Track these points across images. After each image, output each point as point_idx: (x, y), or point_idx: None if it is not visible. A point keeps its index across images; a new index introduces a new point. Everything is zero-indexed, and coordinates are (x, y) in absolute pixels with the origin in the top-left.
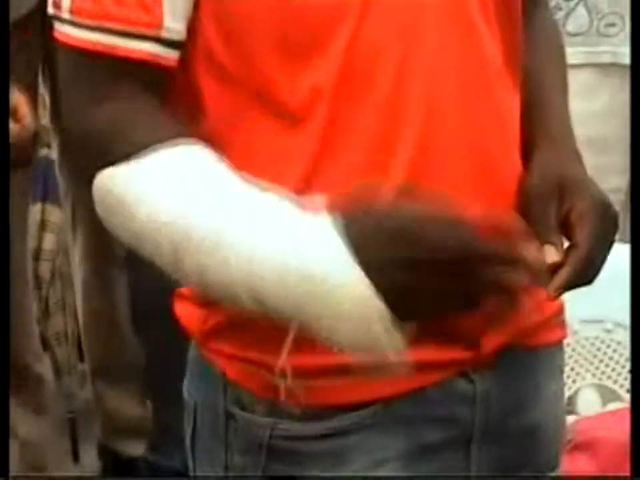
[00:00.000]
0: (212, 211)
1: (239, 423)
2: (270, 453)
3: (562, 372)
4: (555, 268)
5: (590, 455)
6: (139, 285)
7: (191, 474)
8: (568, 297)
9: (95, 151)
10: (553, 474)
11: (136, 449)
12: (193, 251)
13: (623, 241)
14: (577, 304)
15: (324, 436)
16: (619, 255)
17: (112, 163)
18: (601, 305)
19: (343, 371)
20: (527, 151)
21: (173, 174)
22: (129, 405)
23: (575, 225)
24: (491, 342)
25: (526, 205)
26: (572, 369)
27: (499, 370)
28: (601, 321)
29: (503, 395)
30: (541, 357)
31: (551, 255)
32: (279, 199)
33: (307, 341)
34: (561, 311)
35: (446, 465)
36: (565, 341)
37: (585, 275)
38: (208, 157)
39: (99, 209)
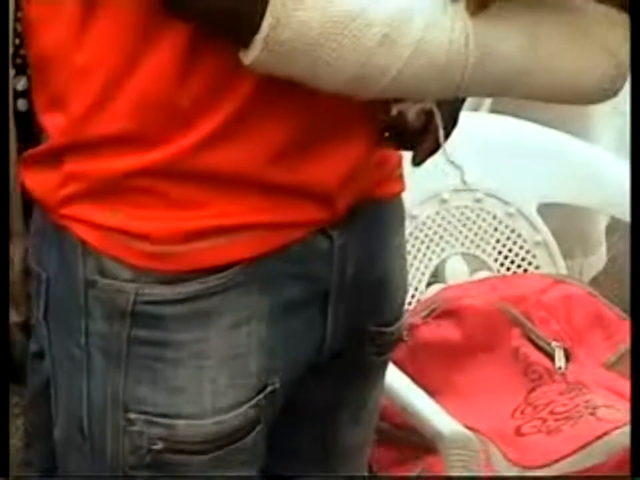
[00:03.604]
0: None
1: (101, 290)
2: (134, 319)
3: (404, 224)
4: (417, 132)
5: (456, 321)
6: None
7: (46, 347)
8: (436, 168)
9: None
10: (397, 324)
11: None
12: None
13: (495, 110)
14: (447, 174)
15: (188, 299)
16: (492, 125)
17: None
18: (472, 174)
19: (204, 234)
20: None
21: None
22: None
23: None
24: (345, 197)
25: None
26: (441, 237)
27: (353, 224)
28: (471, 190)
29: (357, 248)
30: (387, 209)
31: (415, 118)
32: None
33: (165, 206)
34: (399, 163)
35: (306, 320)
36: (434, 210)
37: (447, 138)
38: None
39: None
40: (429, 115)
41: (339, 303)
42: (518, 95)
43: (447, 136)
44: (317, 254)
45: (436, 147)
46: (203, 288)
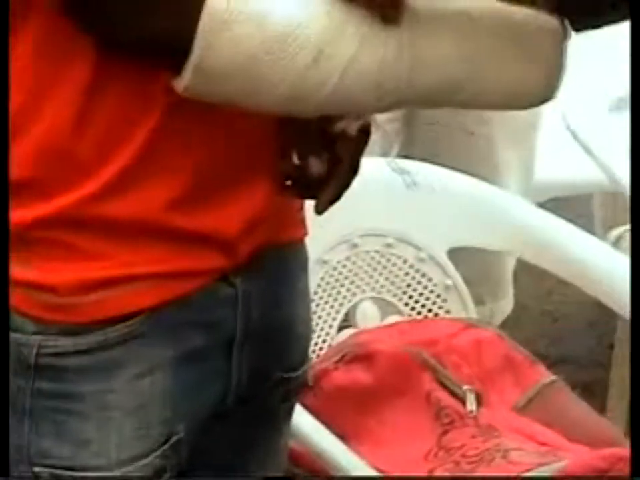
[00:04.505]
0: None
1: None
2: (37, 371)
3: (307, 268)
4: (319, 181)
5: (367, 366)
6: None
7: None
8: (349, 212)
9: None
10: (302, 369)
11: None
12: None
13: (405, 156)
14: (358, 218)
15: (90, 350)
16: (402, 169)
17: None
18: (382, 219)
19: (107, 284)
20: None
21: None
22: None
23: (336, 138)
24: (247, 244)
25: (290, 118)
26: (352, 282)
27: (256, 270)
28: (381, 235)
29: (261, 294)
30: (291, 254)
31: (316, 167)
32: None
33: (73, 257)
34: (301, 208)
35: (210, 368)
36: (345, 255)
37: (349, 184)
38: None
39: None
40: (330, 163)
41: (243, 350)
42: (453, 104)
43: (348, 185)
44: (220, 301)
45: (338, 196)
46: (105, 339)
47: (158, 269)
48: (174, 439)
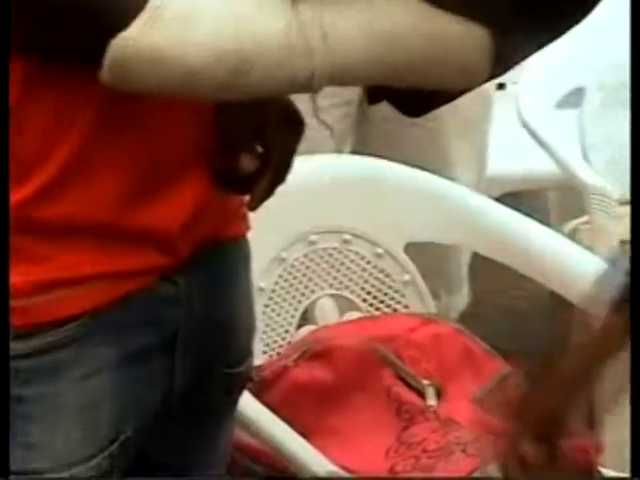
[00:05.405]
0: None
1: None
2: None
3: (249, 264)
4: (251, 177)
5: (327, 363)
6: None
7: None
8: (305, 210)
9: None
10: (245, 364)
11: None
12: None
13: (359, 152)
14: (314, 215)
15: (36, 352)
16: (356, 166)
17: None
18: (339, 216)
19: (48, 287)
20: None
21: None
22: None
23: (267, 132)
24: (187, 242)
25: (221, 114)
26: (310, 280)
27: (198, 268)
28: (338, 232)
29: (203, 291)
30: (232, 250)
31: (247, 163)
32: None
33: (21, 260)
34: (242, 203)
35: (154, 367)
36: (302, 252)
37: (282, 180)
38: None
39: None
40: (261, 159)
41: (187, 347)
42: (390, 81)
43: (281, 180)
44: (162, 300)
45: (270, 192)
46: (49, 341)
47: (100, 269)
48: (121, 438)
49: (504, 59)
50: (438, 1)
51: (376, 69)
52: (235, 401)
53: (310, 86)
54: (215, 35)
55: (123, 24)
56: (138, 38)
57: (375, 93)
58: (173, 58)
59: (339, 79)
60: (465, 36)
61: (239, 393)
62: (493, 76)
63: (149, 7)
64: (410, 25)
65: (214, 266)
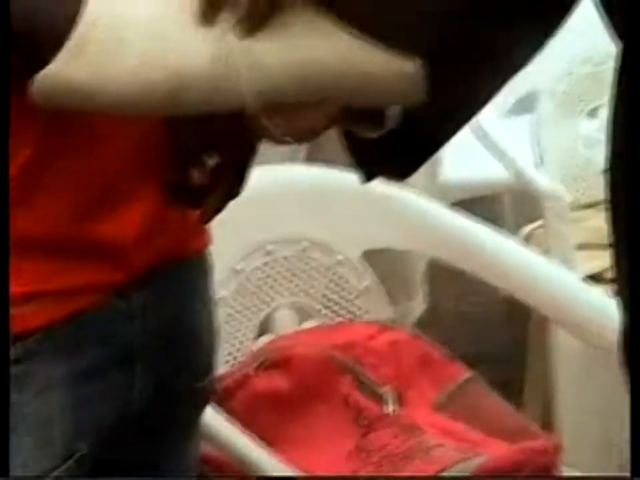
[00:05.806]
0: None
1: None
2: None
3: (210, 277)
4: (202, 191)
5: (285, 371)
6: None
7: None
8: (261, 219)
9: None
10: (207, 378)
11: None
12: None
13: (312, 160)
14: (271, 225)
15: None
16: (312, 175)
17: None
18: (296, 225)
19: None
20: None
21: None
22: None
23: (220, 144)
24: (141, 257)
25: (171, 127)
26: (270, 288)
27: (154, 283)
28: (296, 241)
29: (160, 306)
30: (191, 264)
31: (197, 177)
32: None
33: None
34: None
35: (110, 383)
36: (260, 262)
37: (236, 193)
38: None
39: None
40: (213, 173)
41: (144, 363)
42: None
43: (236, 194)
44: (116, 316)
45: (223, 206)
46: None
47: (52, 287)
48: (76, 455)
49: (446, 88)
50: (366, 32)
51: (304, 93)
52: (199, 414)
53: (246, 107)
54: (141, 67)
55: (45, 58)
56: (58, 72)
57: (369, 174)
58: (97, 91)
59: (272, 100)
60: (389, 61)
61: (204, 406)
62: (446, 104)
63: (71, 40)
64: (334, 52)
65: (173, 280)
